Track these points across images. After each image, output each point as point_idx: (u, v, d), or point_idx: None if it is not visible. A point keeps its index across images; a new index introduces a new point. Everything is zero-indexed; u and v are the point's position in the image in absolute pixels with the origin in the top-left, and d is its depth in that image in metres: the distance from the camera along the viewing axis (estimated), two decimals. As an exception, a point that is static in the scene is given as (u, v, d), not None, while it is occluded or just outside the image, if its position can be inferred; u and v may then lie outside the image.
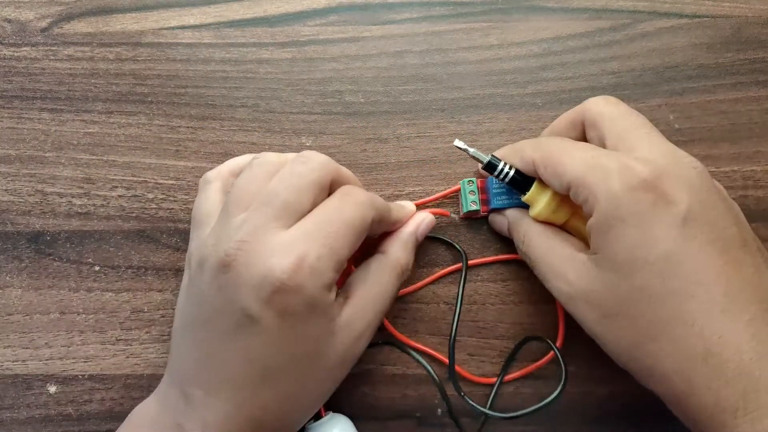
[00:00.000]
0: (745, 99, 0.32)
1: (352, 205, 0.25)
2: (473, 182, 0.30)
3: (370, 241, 0.29)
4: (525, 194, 0.28)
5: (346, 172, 0.27)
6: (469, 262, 0.31)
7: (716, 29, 0.33)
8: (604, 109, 0.26)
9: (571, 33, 0.33)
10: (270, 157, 0.26)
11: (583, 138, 0.28)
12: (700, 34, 0.33)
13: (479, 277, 0.31)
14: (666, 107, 0.32)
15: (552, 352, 0.30)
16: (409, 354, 0.30)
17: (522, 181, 0.28)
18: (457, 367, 0.30)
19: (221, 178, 0.28)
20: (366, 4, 0.34)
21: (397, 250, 0.28)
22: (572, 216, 0.28)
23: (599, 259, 0.24)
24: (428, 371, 0.29)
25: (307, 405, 0.26)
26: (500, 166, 0.27)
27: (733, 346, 0.21)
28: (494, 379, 0.30)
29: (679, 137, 0.32)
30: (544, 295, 0.31)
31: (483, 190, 0.30)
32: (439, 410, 0.30)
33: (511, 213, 0.30)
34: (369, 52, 0.33)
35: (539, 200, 0.27)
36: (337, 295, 0.25)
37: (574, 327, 0.30)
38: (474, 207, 0.30)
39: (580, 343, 0.30)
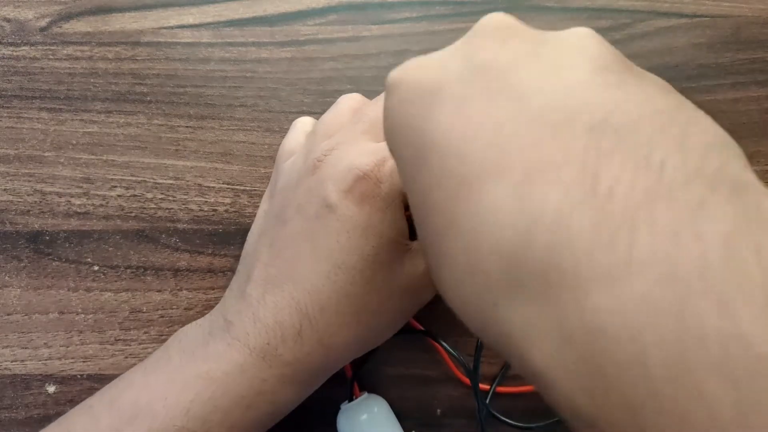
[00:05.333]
0: (745, 99, 0.32)
1: None
2: None
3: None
4: None
5: None
6: None
7: (716, 29, 0.33)
8: None
9: (571, 33, 0.33)
10: (356, 95, 0.29)
11: None
12: (700, 34, 0.33)
13: (479, 277, 0.31)
14: (666, 107, 0.32)
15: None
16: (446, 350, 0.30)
17: None
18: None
19: (313, 123, 0.30)
20: (365, 4, 0.34)
21: None
22: None
23: None
24: (464, 368, 0.29)
25: (365, 320, 0.25)
26: None
27: None
28: (511, 388, 0.30)
29: (678, 137, 0.32)
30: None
31: None
32: (438, 410, 0.30)
33: None
34: (368, 52, 0.33)
35: None
36: None
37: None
38: None
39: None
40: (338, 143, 0.25)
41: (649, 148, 0.12)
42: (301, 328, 0.24)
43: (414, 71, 0.18)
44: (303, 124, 0.30)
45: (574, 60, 0.16)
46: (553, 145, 0.13)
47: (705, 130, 0.14)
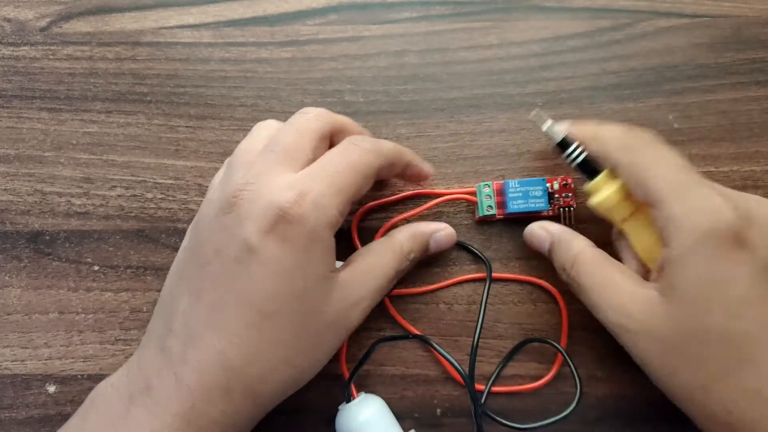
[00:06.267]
0: (745, 99, 0.32)
1: (356, 150, 0.25)
2: (489, 186, 0.30)
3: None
4: (590, 181, 0.27)
5: (346, 120, 0.28)
6: (494, 275, 0.30)
7: (716, 29, 0.33)
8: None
9: (572, 32, 0.33)
10: (271, 122, 0.28)
11: None
12: (700, 34, 0.33)
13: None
14: (666, 107, 0.32)
15: (560, 356, 0.30)
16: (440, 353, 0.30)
17: (591, 167, 0.27)
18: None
19: (279, 126, 0.28)
20: (365, 4, 0.34)
21: (403, 237, 0.28)
22: (633, 213, 0.26)
23: (670, 294, 0.23)
24: (460, 373, 0.29)
25: (296, 362, 0.24)
26: (572, 149, 0.27)
27: None
28: (506, 388, 0.30)
29: (678, 137, 0.32)
30: (543, 296, 0.31)
31: (499, 192, 0.30)
32: (438, 410, 0.30)
33: (560, 231, 0.28)
34: (368, 52, 0.33)
35: (606, 188, 0.26)
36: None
37: (572, 328, 0.30)
38: (490, 212, 0.30)
39: (577, 344, 0.30)
40: (254, 175, 0.24)
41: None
42: (229, 384, 0.22)
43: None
44: (264, 128, 0.28)
45: None
46: None
47: None
